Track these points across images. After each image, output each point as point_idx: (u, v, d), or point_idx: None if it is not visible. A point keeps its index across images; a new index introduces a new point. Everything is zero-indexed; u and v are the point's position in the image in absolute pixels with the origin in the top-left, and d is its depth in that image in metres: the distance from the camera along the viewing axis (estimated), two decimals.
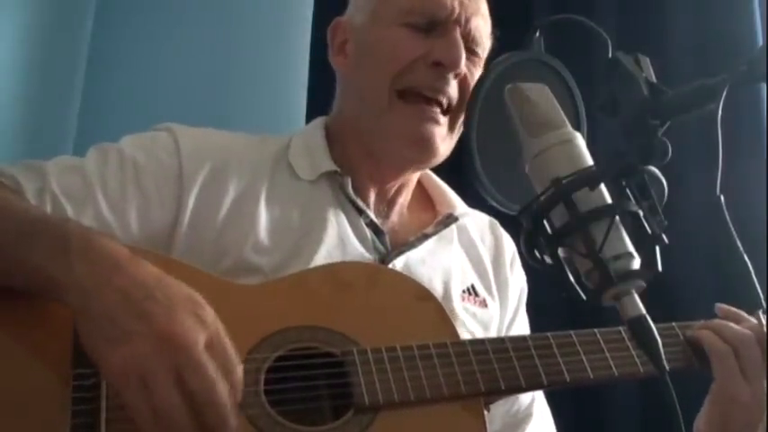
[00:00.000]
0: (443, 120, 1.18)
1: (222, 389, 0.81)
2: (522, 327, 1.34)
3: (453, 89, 1.18)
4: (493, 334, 1.25)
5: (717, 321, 1.14)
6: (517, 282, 1.34)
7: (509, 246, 1.35)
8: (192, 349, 0.81)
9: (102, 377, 0.88)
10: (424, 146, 1.18)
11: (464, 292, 1.23)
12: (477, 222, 1.34)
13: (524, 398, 1.26)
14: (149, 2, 2.70)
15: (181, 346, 0.81)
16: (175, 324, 0.82)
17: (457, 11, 1.19)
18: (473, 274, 1.27)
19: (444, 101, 1.17)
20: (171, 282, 0.88)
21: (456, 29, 1.18)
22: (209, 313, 0.86)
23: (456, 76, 1.17)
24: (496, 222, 1.37)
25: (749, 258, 0.84)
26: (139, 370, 0.80)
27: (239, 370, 0.85)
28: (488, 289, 1.28)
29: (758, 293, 0.86)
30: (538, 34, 0.99)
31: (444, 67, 1.16)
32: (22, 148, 2.32)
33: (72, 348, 0.90)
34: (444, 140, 1.19)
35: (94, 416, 0.87)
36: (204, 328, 0.84)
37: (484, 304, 1.24)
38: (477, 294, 1.24)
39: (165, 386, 0.80)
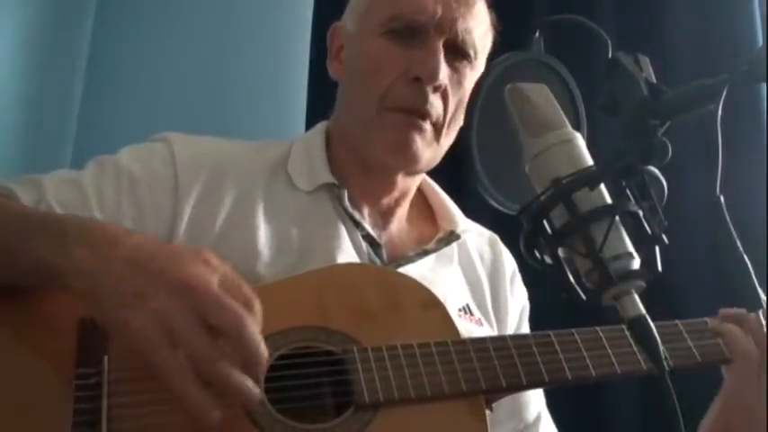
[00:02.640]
0: (427, 127, 1.17)
1: (249, 319, 0.81)
2: None
3: (436, 106, 1.16)
4: None
5: (747, 318, 1.11)
6: (518, 301, 1.33)
7: (509, 263, 1.34)
8: (208, 290, 0.81)
9: (131, 346, 0.83)
10: (404, 153, 1.17)
11: (460, 310, 1.22)
12: (477, 239, 1.33)
13: (529, 416, 1.24)
14: (149, 2, 2.70)
15: (197, 290, 0.81)
16: (185, 272, 0.82)
17: (439, 14, 1.16)
18: (467, 295, 1.26)
19: (427, 116, 1.16)
20: (170, 244, 0.90)
21: (437, 38, 1.16)
22: (215, 258, 0.86)
23: (435, 89, 1.16)
24: (497, 239, 1.36)
25: (749, 258, 0.84)
26: (163, 326, 0.79)
27: (257, 302, 0.84)
28: (484, 310, 1.27)
29: (758, 293, 0.86)
30: (538, 34, 0.99)
31: (423, 81, 1.15)
32: (22, 147, 2.32)
33: (74, 348, 0.90)
34: (428, 147, 1.18)
35: (96, 415, 0.87)
36: (213, 269, 0.84)
37: (480, 323, 1.23)
38: (472, 314, 1.23)
39: (193, 333, 0.79)
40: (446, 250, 1.25)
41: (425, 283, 1.13)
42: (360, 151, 1.22)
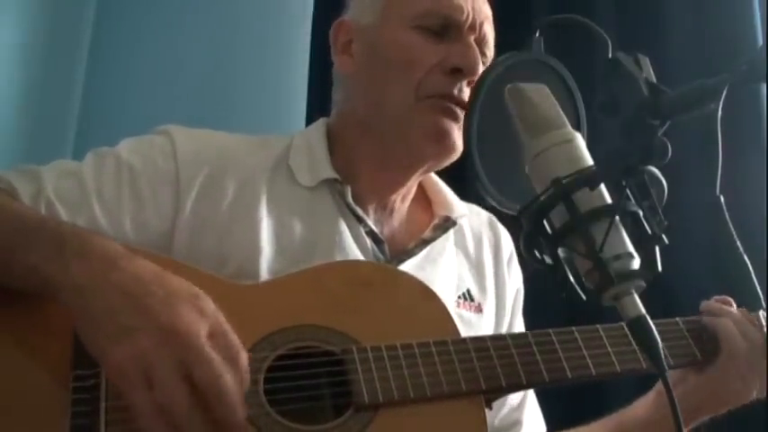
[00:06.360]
0: (460, 114, 1.17)
1: (229, 379, 0.81)
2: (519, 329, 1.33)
3: (466, 95, 1.17)
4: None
5: (737, 314, 1.14)
6: (513, 282, 1.33)
7: (507, 244, 1.34)
8: (195, 341, 0.81)
9: (105, 375, 0.87)
10: (444, 143, 1.17)
11: (459, 298, 1.22)
12: (475, 220, 1.33)
13: (513, 401, 1.25)
14: (150, 1, 2.70)
15: (184, 339, 0.80)
16: (176, 317, 0.82)
17: (471, 15, 1.19)
18: (469, 277, 1.26)
19: (460, 104, 1.17)
20: (168, 276, 0.88)
21: (470, 35, 1.19)
22: (209, 304, 0.86)
23: (470, 83, 1.17)
24: (495, 219, 1.36)
25: (749, 258, 0.84)
26: (142, 365, 0.79)
27: (243, 357, 0.84)
28: (484, 290, 1.27)
29: (758, 293, 0.86)
30: (538, 34, 0.98)
31: (463, 73, 1.16)
32: (22, 147, 2.32)
33: (72, 349, 0.90)
34: (459, 137, 1.18)
35: (94, 417, 0.87)
36: (205, 318, 0.83)
37: (479, 309, 1.23)
38: (472, 300, 1.23)
39: (171, 380, 0.79)
40: (442, 239, 1.24)
41: (426, 273, 1.13)
42: (388, 146, 1.20)
